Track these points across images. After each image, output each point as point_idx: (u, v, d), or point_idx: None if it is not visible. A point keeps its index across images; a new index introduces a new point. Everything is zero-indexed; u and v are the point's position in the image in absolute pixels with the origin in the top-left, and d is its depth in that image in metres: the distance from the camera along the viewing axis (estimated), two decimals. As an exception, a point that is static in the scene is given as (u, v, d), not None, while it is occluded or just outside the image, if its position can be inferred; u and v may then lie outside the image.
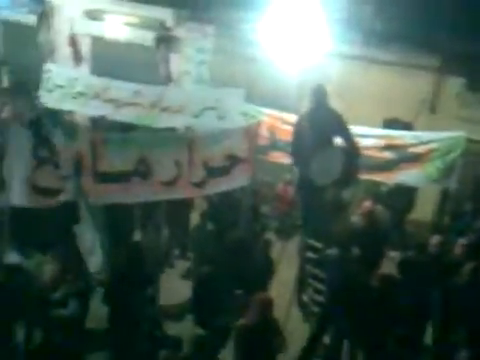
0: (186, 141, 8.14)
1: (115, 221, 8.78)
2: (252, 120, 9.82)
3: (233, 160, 8.58)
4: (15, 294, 7.20)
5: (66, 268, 7.59)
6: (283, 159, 10.15)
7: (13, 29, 17.92)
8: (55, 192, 7.54)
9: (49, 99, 11.51)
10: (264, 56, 11.57)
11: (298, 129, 9.13)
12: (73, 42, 15.18)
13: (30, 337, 7.49)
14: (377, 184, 10.59)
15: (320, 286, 8.69)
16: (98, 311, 7.77)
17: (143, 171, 7.82)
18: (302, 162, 8.96)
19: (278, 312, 7.37)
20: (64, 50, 15.64)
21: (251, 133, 8.74)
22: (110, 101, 11.00)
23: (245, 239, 8.65)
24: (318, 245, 8.85)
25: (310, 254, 8.98)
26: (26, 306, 7.33)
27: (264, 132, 9.91)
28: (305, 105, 9.41)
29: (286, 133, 9.83)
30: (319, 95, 9.01)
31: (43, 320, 7.33)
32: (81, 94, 11.25)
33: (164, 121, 10.56)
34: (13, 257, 7.74)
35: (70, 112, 12.30)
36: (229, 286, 8.03)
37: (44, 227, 8.26)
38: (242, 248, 8.41)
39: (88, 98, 11.17)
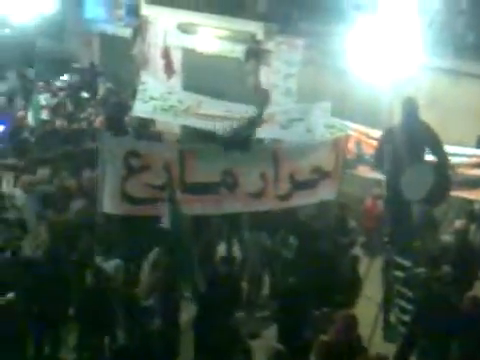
0: (272, 154, 8.14)
1: (199, 233, 8.85)
2: (339, 134, 9.70)
3: (319, 173, 8.50)
4: (105, 297, 7.43)
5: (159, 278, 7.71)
6: (370, 173, 9.95)
7: (110, 41, 18.64)
8: (145, 201, 7.72)
9: (142, 109, 11.85)
10: (354, 69, 11.42)
11: (386, 141, 8.92)
12: (166, 54, 15.59)
13: (114, 339, 7.65)
14: (471, 202, 10.18)
15: (407, 306, 8.41)
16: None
17: (230, 182, 7.89)
18: (391, 176, 8.74)
19: (362, 330, 7.18)
20: (157, 62, 16.10)
21: (338, 147, 8.64)
22: (200, 115, 11.19)
23: (332, 254, 8.53)
24: (406, 263, 8.58)
25: (398, 272, 8.71)
26: (114, 310, 7.52)
27: (351, 146, 9.77)
28: (396, 118, 9.19)
29: (372, 147, 9.64)
30: (410, 108, 8.76)
31: (130, 325, 7.46)
32: (173, 107, 11.51)
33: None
34: (106, 263, 7.99)
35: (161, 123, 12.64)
36: (314, 301, 7.92)
37: (136, 236, 8.44)
38: (329, 263, 8.29)
39: (179, 111, 11.41)
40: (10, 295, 7.12)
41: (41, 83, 16.70)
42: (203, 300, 7.65)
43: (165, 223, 7.29)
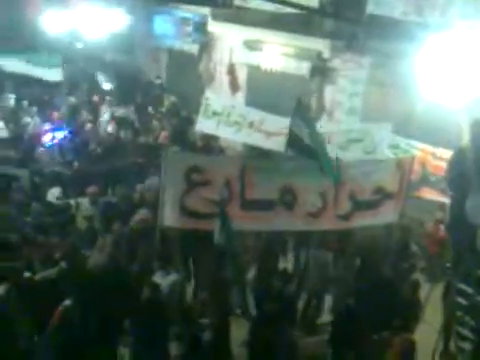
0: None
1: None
2: (404, 154, 9.52)
3: (382, 194, 8.36)
4: (160, 311, 7.47)
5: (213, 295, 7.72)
6: (433, 195, 9.72)
7: (177, 57, 18.96)
8: (204, 216, 7.76)
9: (206, 125, 11.98)
10: (421, 88, 11.21)
11: (454, 165, 8.69)
12: (231, 71, 15.72)
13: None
14: None
15: (468, 334, 8.12)
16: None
17: (289, 200, 7.84)
18: (456, 199, 8.50)
19: (421, 357, 6.99)
20: (222, 78, 16.26)
21: (403, 167, 8.48)
22: (262, 131, 11.22)
23: (392, 277, 8.34)
24: (469, 290, 8.30)
25: (460, 299, 8.44)
26: (168, 322, 7.56)
27: (416, 166, 9.57)
28: (464, 139, 8.95)
29: (438, 168, 9.43)
30: (478, 131, 8.53)
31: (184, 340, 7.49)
32: (236, 123, 11.59)
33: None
34: (161, 276, 8.05)
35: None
36: (373, 325, 7.76)
37: (194, 250, 8.49)
38: (389, 286, 8.11)
39: (242, 127, 11.47)
40: (67, 302, 7.24)
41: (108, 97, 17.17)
42: (257, 315, 7.61)
43: (217, 239, 7.33)
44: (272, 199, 7.83)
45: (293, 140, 7.89)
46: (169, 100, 17.82)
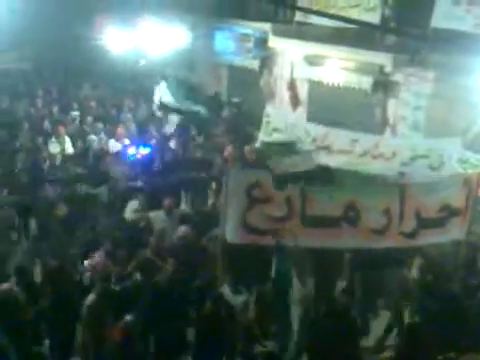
0: (398, 189, 7.96)
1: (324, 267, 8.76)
2: (473, 169, 9.30)
3: (449, 211, 8.20)
4: (221, 325, 7.50)
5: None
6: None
7: (237, 73, 19.12)
8: (265, 232, 7.79)
9: (267, 141, 12.02)
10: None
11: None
12: (292, 86, 15.73)
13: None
14: None
15: None
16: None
17: (352, 217, 7.78)
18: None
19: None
20: (283, 94, 16.28)
21: (471, 183, 8.30)
22: (324, 148, 11.18)
23: (460, 295, 8.14)
24: None
25: None
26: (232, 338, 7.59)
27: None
28: None
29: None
30: None
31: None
32: (298, 139, 11.59)
33: (375, 168, 10.47)
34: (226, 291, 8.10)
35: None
36: (439, 344, 7.57)
37: (255, 266, 8.51)
38: (456, 304, 7.92)
39: (305, 144, 11.47)
40: (128, 317, 7.35)
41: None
42: (316, 331, 7.56)
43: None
44: (335, 215, 7.80)
45: None
46: (229, 116, 17.88)
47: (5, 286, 7.65)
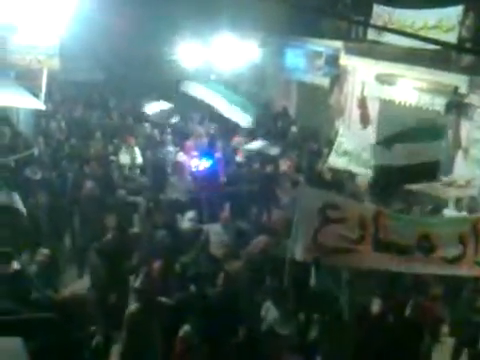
0: (472, 221, 7.85)
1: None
2: None
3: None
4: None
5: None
6: None
7: (307, 90, 19.13)
8: (338, 251, 7.78)
9: (337, 161, 12.01)
10: None
11: None
12: (362, 105, 15.60)
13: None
14: None
15: None
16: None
17: (426, 247, 7.72)
18: None
19: None
20: (352, 112, 16.17)
21: None
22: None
23: None
24: None
25: None
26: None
27: None
28: None
29: None
30: None
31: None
32: (367, 162, 11.55)
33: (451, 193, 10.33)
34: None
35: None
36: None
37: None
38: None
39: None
40: (186, 328, 7.36)
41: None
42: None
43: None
44: (409, 244, 7.72)
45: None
46: (295, 132, 17.82)
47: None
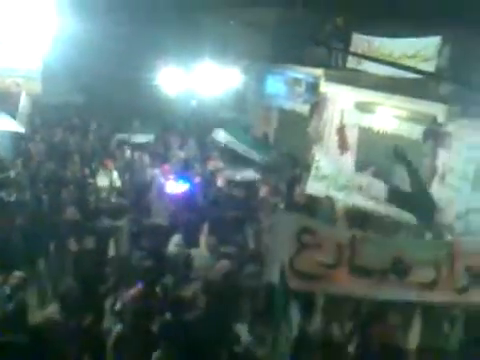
0: (448, 246, 7.83)
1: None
2: None
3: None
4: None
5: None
6: None
7: (286, 116, 19.23)
8: (313, 278, 7.70)
9: (315, 187, 12.02)
10: None
11: None
12: (341, 132, 15.69)
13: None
14: None
15: None
16: None
17: (400, 268, 7.64)
18: None
19: None
20: (331, 138, 16.24)
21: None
22: (372, 197, 11.12)
23: None
24: None
25: None
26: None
27: None
28: None
29: None
30: None
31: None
32: (345, 187, 11.58)
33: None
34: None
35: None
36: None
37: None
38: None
39: (352, 191, 11.43)
40: (158, 354, 7.29)
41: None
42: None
43: None
44: (384, 268, 7.65)
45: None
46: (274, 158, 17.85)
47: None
